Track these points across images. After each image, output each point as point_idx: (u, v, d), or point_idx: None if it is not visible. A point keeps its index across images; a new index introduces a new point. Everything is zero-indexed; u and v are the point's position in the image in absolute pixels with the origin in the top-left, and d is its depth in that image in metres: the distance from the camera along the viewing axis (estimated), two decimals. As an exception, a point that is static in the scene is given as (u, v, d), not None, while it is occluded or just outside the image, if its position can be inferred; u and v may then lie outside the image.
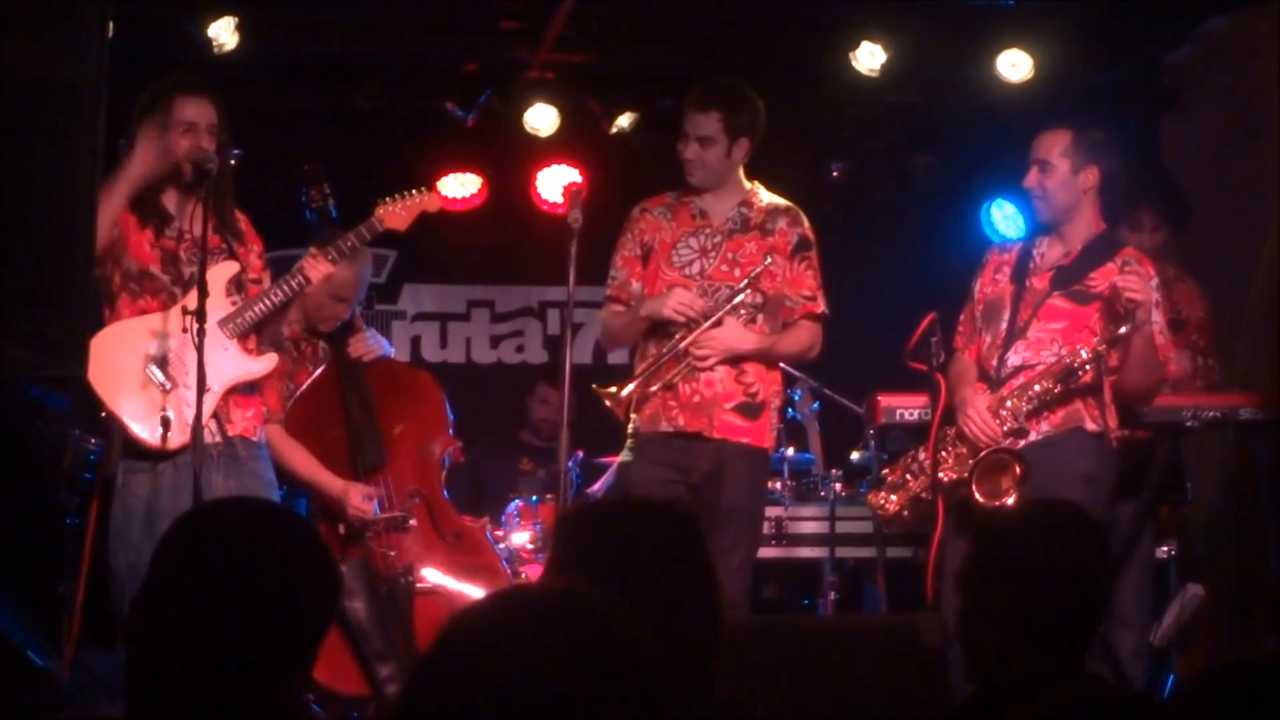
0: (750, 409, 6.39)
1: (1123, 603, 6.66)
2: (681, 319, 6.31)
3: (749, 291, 6.40)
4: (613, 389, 6.31)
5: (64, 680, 6.53)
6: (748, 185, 6.59)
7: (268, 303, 6.06)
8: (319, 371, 6.92)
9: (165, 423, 5.80)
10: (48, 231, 4.54)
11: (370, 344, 7.03)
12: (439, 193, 6.67)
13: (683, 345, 6.32)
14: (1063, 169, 6.24)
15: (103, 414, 5.91)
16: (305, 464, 6.72)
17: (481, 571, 6.85)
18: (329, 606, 2.70)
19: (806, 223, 6.55)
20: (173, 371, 5.88)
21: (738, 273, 6.44)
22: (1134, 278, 6.02)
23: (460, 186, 10.01)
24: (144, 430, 5.84)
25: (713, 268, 6.47)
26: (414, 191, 6.49)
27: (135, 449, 5.89)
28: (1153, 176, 6.63)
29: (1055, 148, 6.25)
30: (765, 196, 6.58)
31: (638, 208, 6.67)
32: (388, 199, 6.43)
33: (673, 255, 6.51)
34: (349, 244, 6.26)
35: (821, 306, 6.52)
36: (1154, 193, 7.03)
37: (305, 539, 2.73)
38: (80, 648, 6.62)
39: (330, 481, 6.74)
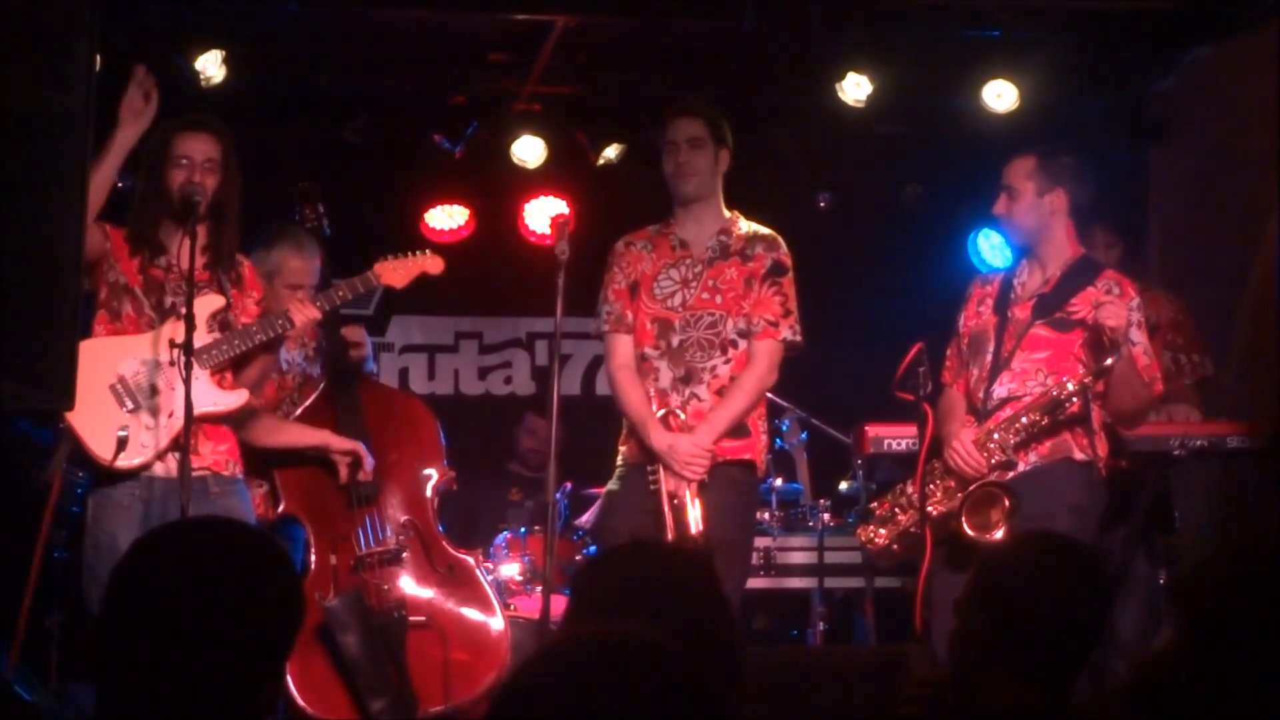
0: (738, 429, 6.39)
1: (1117, 631, 6.65)
2: (695, 475, 6.27)
3: (730, 321, 6.41)
4: None
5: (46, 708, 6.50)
6: (727, 214, 6.61)
7: (247, 340, 6.05)
8: (312, 398, 6.92)
9: (120, 442, 5.79)
10: (34, 265, 4.53)
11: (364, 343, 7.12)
12: (440, 258, 6.68)
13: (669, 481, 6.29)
14: (1028, 193, 6.26)
15: (60, 425, 5.91)
16: (281, 433, 6.70)
17: (475, 605, 6.84)
18: (290, 617, 2.66)
19: (784, 249, 6.55)
20: (139, 395, 5.89)
21: (719, 300, 6.44)
22: (1109, 306, 6.02)
23: (448, 218, 10.04)
24: (97, 444, 5.83)
25: (694, 297, 6.47)
26: (415, 253, 6.53)
27: (104, 479, 5.89)
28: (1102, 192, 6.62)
29: (1019, 172, 6.29)
30: (745, 225, 6.59)
31: (621, 241, 6.68)
32: (388, 257, 6.46)
33: (654, 288, 6.51)
34: (340, 294, 6.32)
35: (782, 333, 6.45)
36: (1105, 208, 7.02)
37: (257, 551, 2.68)
38: (70, 682, 6.61)
39: (309, 434, 6.73)
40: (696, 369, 6.41)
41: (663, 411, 6.35)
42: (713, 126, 6.51)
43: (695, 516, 6.21)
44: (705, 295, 6.47)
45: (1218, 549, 2.82)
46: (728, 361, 6.42)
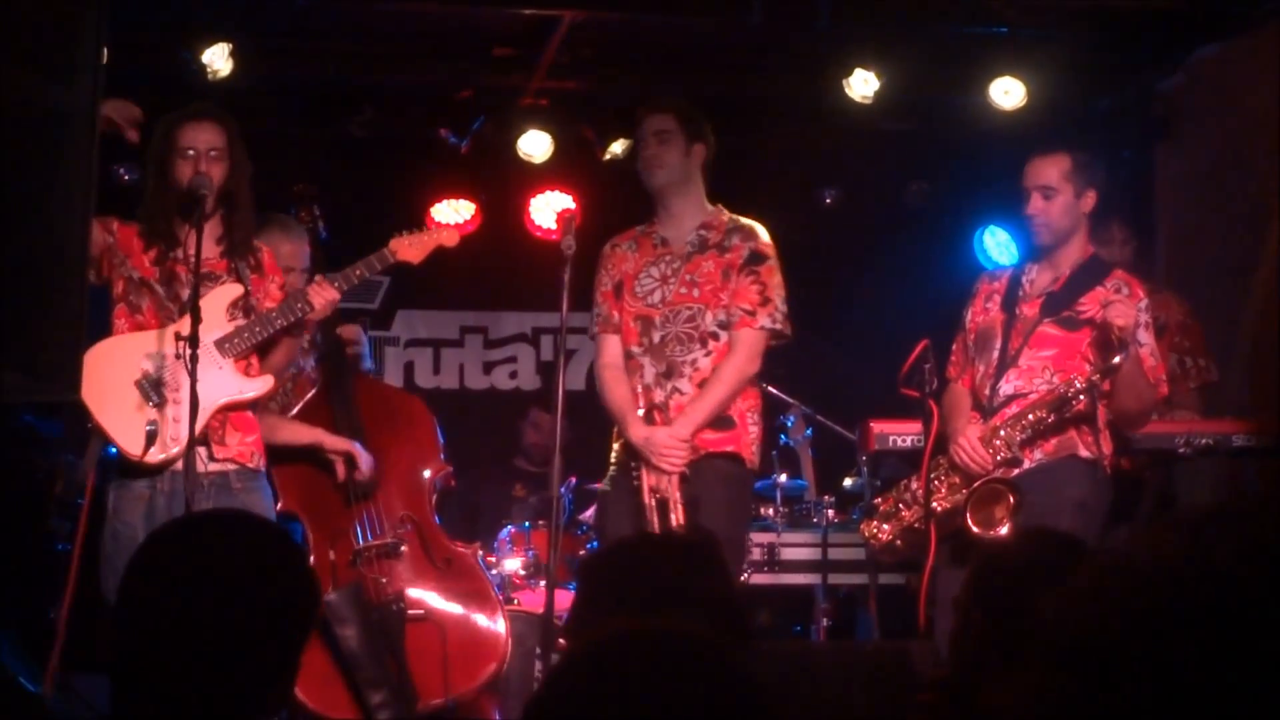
0: (722, 421, 6.39)
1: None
2: (673, 468, 6.28)
3: (708, 313, 6.41)
4: None
5: (50, 701, 6.51)
6: (710, 208, 6.61)
7: (268, 326, 6.06)
8: (310, 395, 6.93)
9: (150, 436, 5.79)
10: (41, 257, 4.53)
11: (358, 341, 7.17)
12: (456, 228, 6.69)
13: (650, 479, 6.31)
14: (1067, 193, 6.21)
15: (89, 424, 5.91)
16: (277, 431, 6.66)
17: (473, 598, 6.84)
18: (305, 611, 2.67)
19: (763, 238, 6.52)
20: (163, 389, 5.88)
21: (697, 293, 6.46)
22: (1118, 305, 6.00)
23: (454, 213, 10.03)
24: (127, 441, 5.83)
25: (673, 293, 6.48)
26: (428, 227, 6.54)
27: (125, 470, 5.89)
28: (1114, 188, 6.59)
29: (1055, 172, 6.22)
30: (727, 217, 6.59)
31: (609, 244, 6.71)
32: (403, 233, 6.47)
33: (636, 286, 6.54)
34: (357, 274, 6.31)
35: (759, 321, 6.43)
36: (1123, 204, 7.00)
37: (275, 547, 2.70)
38: (72, 672, 6.61)
39: (303, 433, 6.74)
40: (677, 363, 6.43)
41: (644, 409, 6.36)
42: (683, 120, 6.53)
43: (679, 510, 6.21)
44: (683, 290, 6.48)
45: (1082, 577, 2.07)
46: (709, 354, 6.42)
